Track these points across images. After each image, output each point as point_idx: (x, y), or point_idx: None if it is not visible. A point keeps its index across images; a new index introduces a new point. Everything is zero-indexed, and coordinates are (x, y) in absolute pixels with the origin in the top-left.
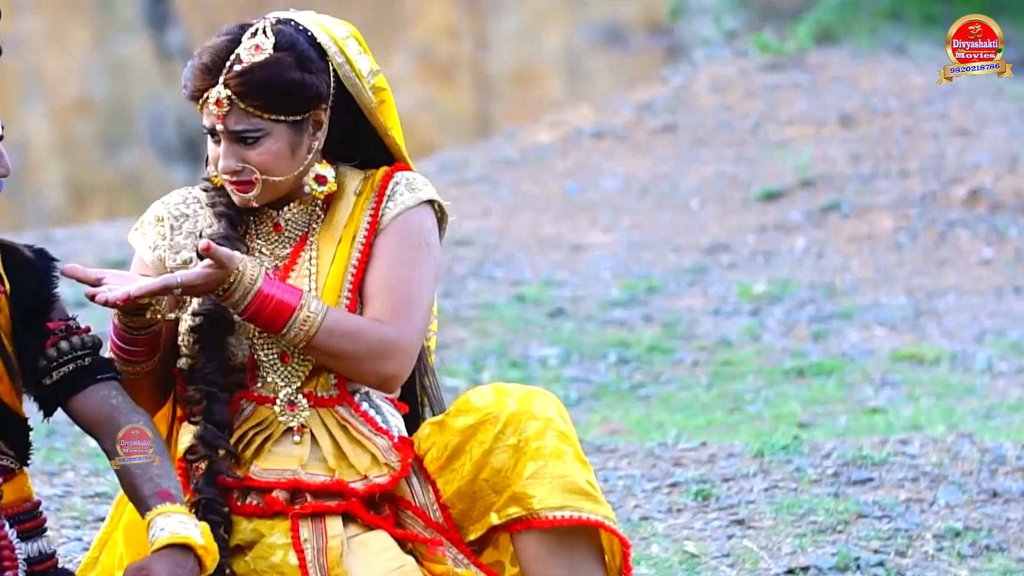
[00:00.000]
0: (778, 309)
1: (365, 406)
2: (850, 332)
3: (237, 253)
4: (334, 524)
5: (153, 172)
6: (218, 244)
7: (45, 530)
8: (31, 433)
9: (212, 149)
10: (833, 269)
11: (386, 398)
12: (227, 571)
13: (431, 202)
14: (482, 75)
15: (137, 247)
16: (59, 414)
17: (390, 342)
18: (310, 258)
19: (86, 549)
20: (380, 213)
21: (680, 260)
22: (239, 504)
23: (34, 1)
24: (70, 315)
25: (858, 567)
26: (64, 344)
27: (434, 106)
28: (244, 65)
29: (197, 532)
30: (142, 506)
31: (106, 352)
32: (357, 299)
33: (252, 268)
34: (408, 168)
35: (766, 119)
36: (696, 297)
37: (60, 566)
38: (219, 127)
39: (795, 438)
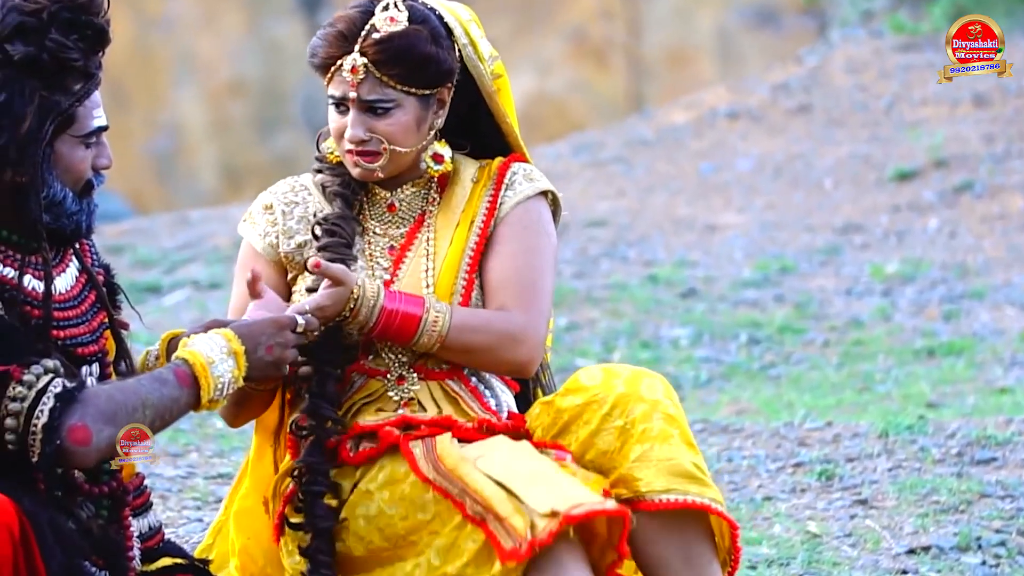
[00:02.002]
0: (910, 289)
1: (475, 381)
2: (981, 312)
3: (348, 271)
4: (444, 436)
5: (306, 153)
6: (335, 224)
7: (151, 505)
8: None
9: (336, 120)
10: (965, 249)
11: (502, 378)
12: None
13: (546, 192)
14: (635, 57)
15: (247, 236)
16: None
17: (520, 329)
18: (427, 239)
19: (206, 530)
20: (499, 201)
21: (813, 240)
22: (352, 455)
23: None
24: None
25: (979, 547)
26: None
27: (587, 88)
28: (382, 34)
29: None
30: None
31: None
32: (474, 281)
33: (370, 284)
34: (524, 158)
35: (900, 99)
36: (828, 277)
37: (168, 540)
38: (352, 95)
39: (920, 418)
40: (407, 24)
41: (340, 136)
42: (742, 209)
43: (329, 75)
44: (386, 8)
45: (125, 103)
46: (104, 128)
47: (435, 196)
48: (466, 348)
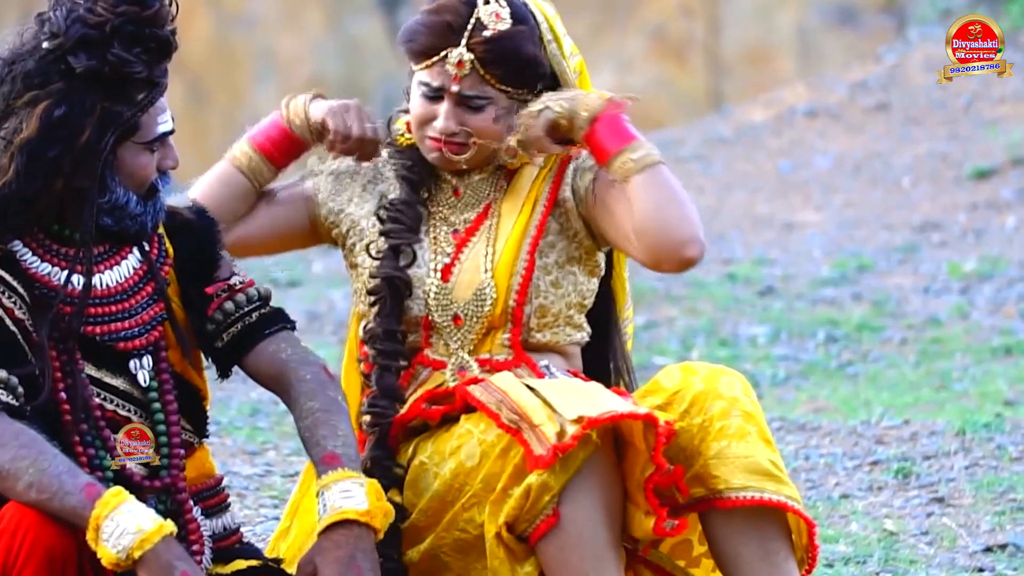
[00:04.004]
0: (987, 287)
1: (544, 364)
2: None
3: None
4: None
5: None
6: (399, 209)
7: (228, 505)
8: (206, 403)
9: (423, 106)
10: None
11: (569, 371)
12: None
13: None
14: (714, 55)
15: (308, 170)
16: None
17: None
18: (491, 225)
19: None
20: (563, 180)
21: (891, 238)
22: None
23: None
24: (235, 271)
25: None
26: (229, 304)
27: (667, 86)
28: (491, 32)
29: (361, 496)
30: (316, 473)
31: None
32: (534, 263)
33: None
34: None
35: (978, 97)
36: (906, 275)
37: (246, 541)
38: (454, 88)
39: (997, 416)
40: (511, 22)
41: (424, 123)
42: (820, 207)
43: (428, 63)
44: (488, 2)
45: (205, 100)
46: (169, 132)
47: (503, 183)
48: (667, 188)
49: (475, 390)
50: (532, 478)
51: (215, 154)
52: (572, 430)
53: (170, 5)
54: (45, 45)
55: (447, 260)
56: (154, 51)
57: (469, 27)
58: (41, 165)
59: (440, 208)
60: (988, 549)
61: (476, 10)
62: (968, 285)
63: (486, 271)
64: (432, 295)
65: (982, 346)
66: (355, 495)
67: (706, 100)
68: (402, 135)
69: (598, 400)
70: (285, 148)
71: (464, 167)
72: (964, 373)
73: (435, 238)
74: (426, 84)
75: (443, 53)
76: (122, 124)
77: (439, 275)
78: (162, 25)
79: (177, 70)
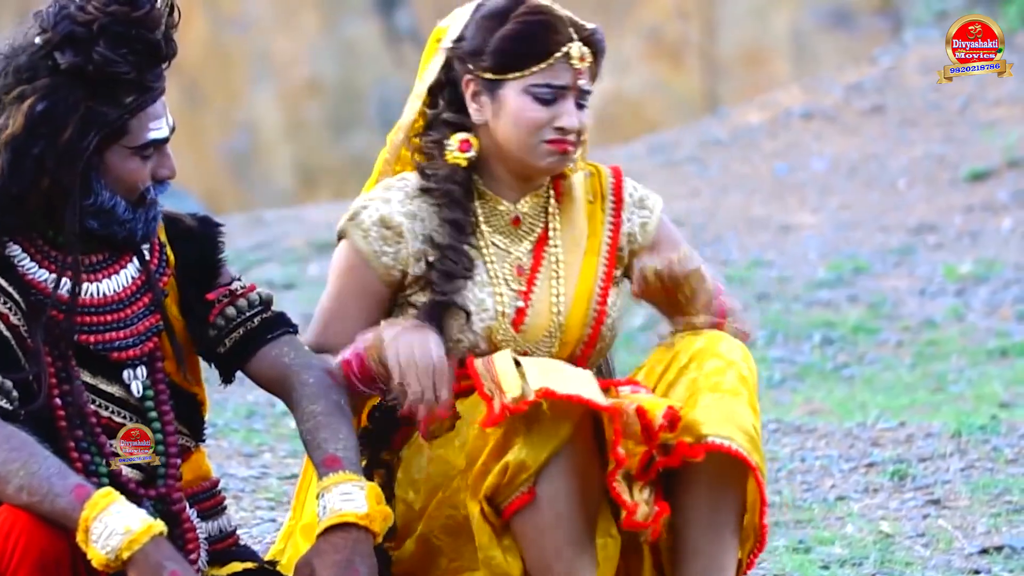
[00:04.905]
0: (983, 289)
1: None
2: None
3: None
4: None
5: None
6: (446, 253)
7: (224, 508)
8: (204, 409)
9: (536, 110)
10: None
11: None
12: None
13: None
14: (710, 57)
15: (359, 248)
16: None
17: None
18: (555, 260)
19: (279, 530)
20: (622, 226)
21: (887, 240)
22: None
23: None
24: (235, 276)
25: None
26: (231, 310)
27: (663, 88)
28: (592, 26)
29: (361, 499)
30: (317, 475)
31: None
32: (605, 313)
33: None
34: (618, 169)
35: (974, 100)
36: (902, 278)
37: (242, 543)
38: (581, 83)
39: (993, 418)
40: None
41: (540, 127)
42: (816, 209)
43: (549, 62)
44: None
45: (201, 102)
46: (162, 140)
47: (554, 208)
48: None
49: (477, 363)
50: (510, 456)
51: (211, 157)
52: (530, 398)
53: (171, 13)
54: (36, 40)
55: (520, 304)
56: (141, 53)
57: (575, 22)
58: (26, 162)
59: (498, 238)
60: (984, 551)
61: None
62: (964, 287)
63: (558, 313)
64: (499, 337)
65: (978, 348)
66: (355, 498)
67: (702, 102)
68: (450, 151)
69: (572, 381)
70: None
71: (563, 170)
72: (960, 375)
73: (494, 274)
74: (545, 85)
75: (564, 49)
76: (107, 125)
77: (509, 321)
78: (152, 28)
79: (172, 72)
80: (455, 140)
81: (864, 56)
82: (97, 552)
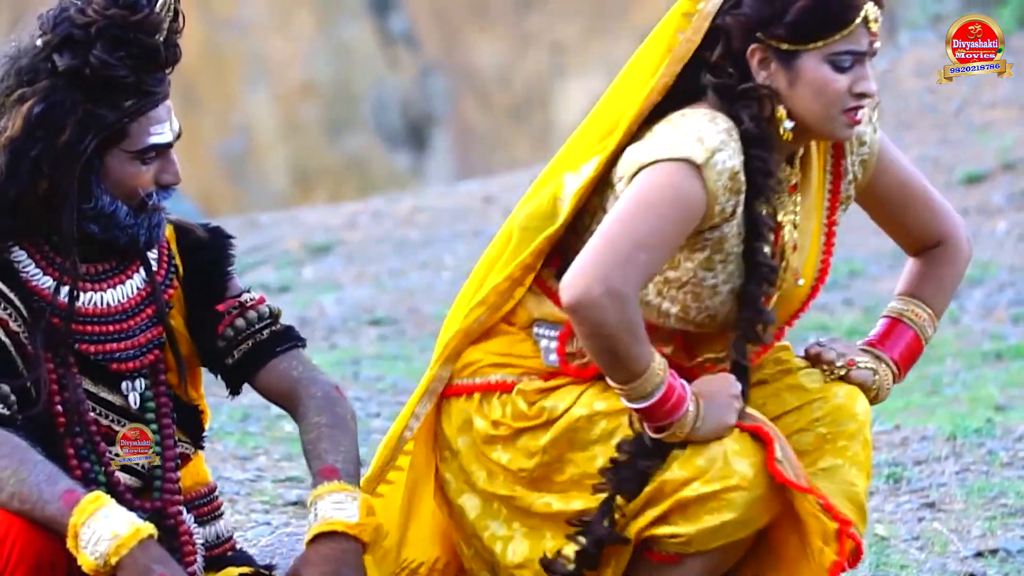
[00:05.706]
0: (978, 292)
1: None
2: None
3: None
4: None
5: (376, 156)
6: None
7: (221, 514)
8: (205, 417)
9: (835, 79)
10: None
11: None
12: None
13: None
14: None
15: (709, 183)
16: (253, 397)
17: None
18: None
19: (273, 533)
20: (843, 172)
21: (882, 243)
22: None
23: None
24: (245, 288)
25: None
26: (240, 322)
27: None
28: None
29: (353, 509)
30: (312, 484)
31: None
32: (829, 262)
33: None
34: None
35: (969, 102)
36: (897, 281)
37: (239, 548)
38: (876, 45)
39: (988, 421)
40: None
41: (840, 97)
42: None
43: (851, 28)
44: None
45: (196, 105)
46: (164, 145)
47: (795, 173)
48: None
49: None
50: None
51: (206, 159)
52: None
53: (175, 19)
54: (37, 43)
55: (800, 282)
56: (139, 57)
57: None
58: (24, 164)
59: (780, 212)
60: (979, 554)
61: None
62: (959, 290)
63: (797, 269)
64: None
65: (973, 351)
66: (347, 508)
67: None
68: (786, 131)
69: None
70: None
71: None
72: (955, 378)
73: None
74: (847, 52)
75: (863, 13)
76: (105, 128)
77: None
78: (151, 32)
79: None
80: (783, 112)
81: None
82: (87, 558)
